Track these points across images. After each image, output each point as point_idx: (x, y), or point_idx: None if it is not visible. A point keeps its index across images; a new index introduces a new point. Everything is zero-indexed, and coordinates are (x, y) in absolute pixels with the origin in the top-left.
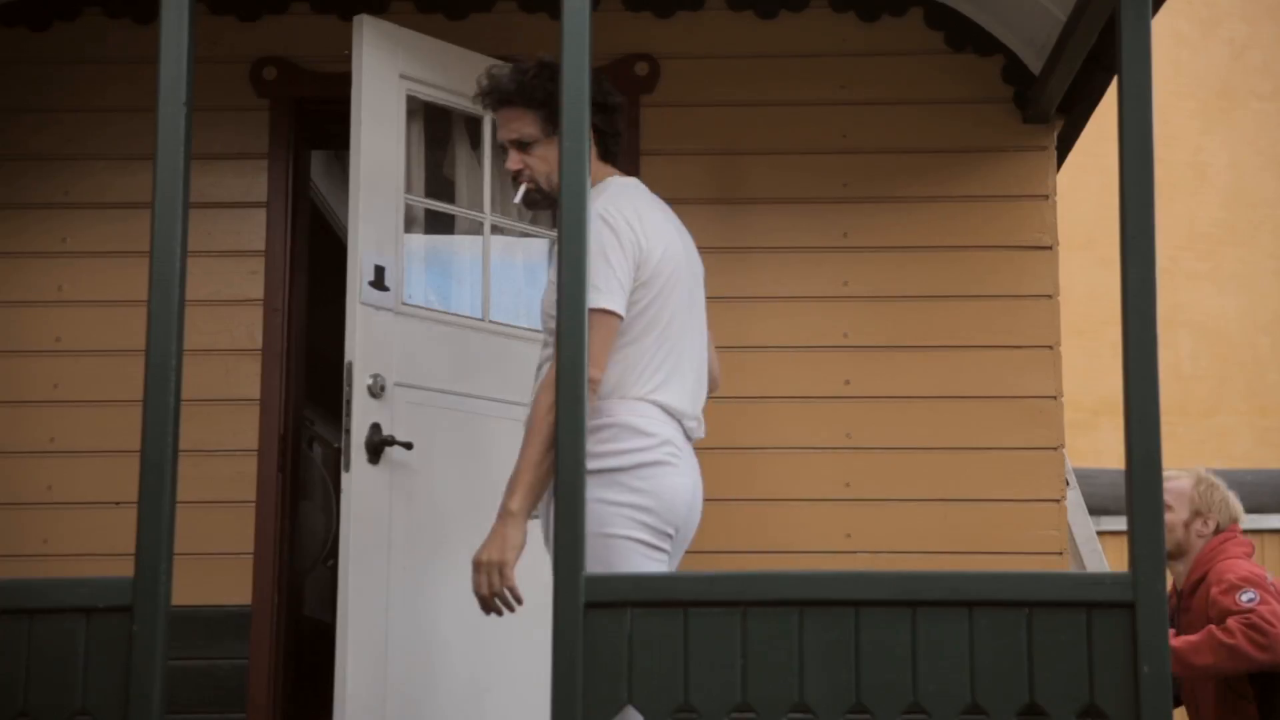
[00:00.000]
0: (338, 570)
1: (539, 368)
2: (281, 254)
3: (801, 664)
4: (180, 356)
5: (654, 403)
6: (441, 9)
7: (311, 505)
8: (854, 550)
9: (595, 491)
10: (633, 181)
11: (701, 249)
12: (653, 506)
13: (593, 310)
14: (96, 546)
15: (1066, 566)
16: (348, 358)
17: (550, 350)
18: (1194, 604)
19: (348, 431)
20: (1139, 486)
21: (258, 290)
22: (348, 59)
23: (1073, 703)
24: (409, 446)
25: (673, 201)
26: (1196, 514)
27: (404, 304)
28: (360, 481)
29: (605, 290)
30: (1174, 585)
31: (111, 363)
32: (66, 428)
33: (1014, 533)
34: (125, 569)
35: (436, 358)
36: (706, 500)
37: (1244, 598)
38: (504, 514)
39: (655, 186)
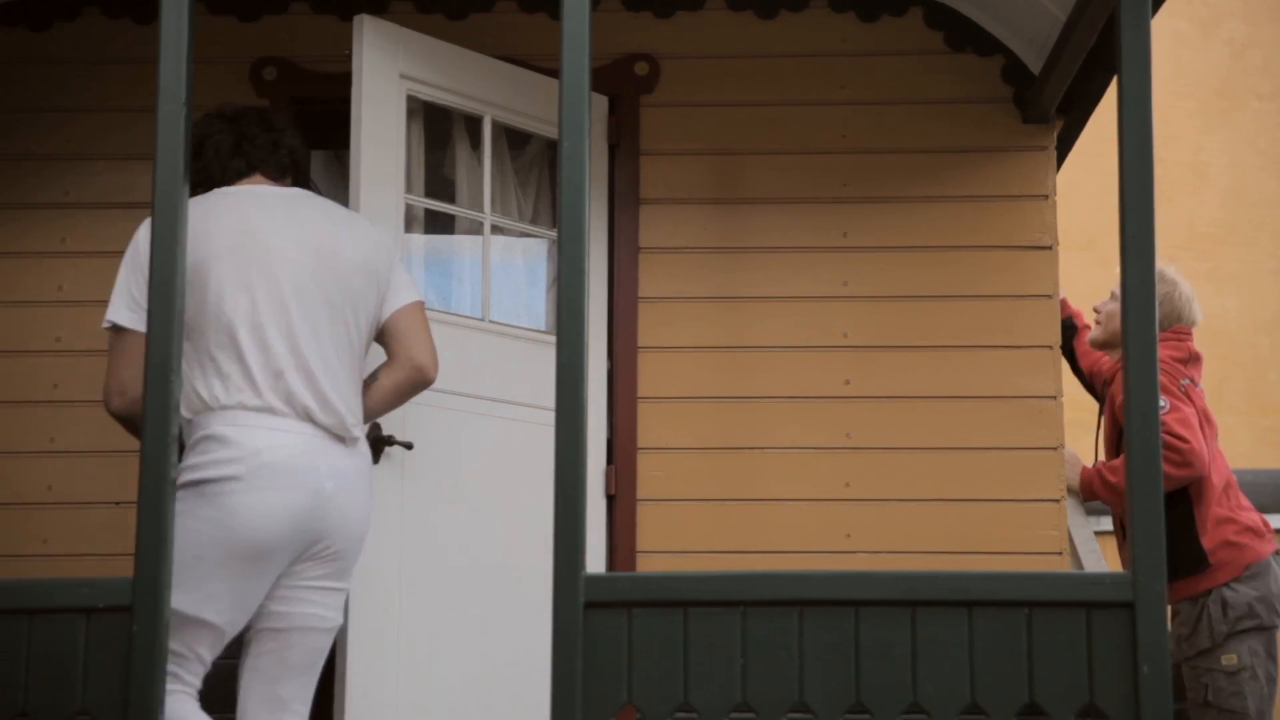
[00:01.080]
0: None
1: None
2: None
3: (801, 664)
4: (180, 357)
5: (251, 408)
6: (441, 9)
7: None
8: (854, 550)
9: (179, 505)
10: (231, 191)
11: (702, 249)
12: (221, 521)
13: (106, 328)
14: (96, 546)
15: (1066, 566)
16: None
17: None
18: (1111, 393)
19: None
20: (1139, 486)
21: None
22: (348, 59)
23: (1072, 703)
24: (409, 446)
25: (673, 201)
26: None
27: None
28: None
29: (112, 305)
30: (1104, 374)
31: None
32: (66, 428)
33: (1014, 533)
34: (125, 569)
35: None
36: (707, 500)
37: None
38: None
39: (655, 186)
